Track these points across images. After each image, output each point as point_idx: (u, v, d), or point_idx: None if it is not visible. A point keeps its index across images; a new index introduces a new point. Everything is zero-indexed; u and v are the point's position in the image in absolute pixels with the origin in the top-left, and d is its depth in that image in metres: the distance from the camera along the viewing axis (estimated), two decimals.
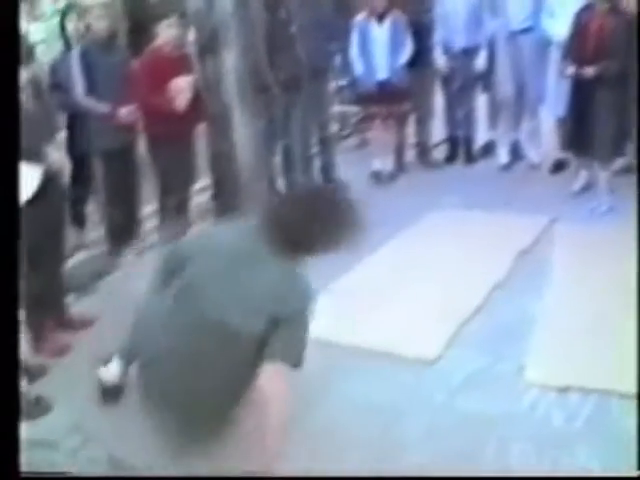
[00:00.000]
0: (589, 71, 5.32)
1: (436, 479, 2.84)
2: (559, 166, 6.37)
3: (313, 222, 2.68)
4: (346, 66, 6.73)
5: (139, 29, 5.17)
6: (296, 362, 2.72)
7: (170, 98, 4.79)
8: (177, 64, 4.91)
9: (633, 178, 5.66)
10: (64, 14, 5.15)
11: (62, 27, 5.14)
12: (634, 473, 2.82)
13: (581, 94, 5.51)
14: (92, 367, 3.44)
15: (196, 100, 4.96)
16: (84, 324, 4.13)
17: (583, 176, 5.90)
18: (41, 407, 3.36)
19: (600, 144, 5.47)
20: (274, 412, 2.66)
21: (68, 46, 5.11)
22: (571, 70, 5.43)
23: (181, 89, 4.82)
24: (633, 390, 3.21)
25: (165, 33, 4.88)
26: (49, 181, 3.68)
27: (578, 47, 5.42)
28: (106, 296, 4.63)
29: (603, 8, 5.33)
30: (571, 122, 5.67)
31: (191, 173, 5.32)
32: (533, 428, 3.08)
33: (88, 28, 4.95)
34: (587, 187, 5.86)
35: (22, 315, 3.34)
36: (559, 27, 5.77)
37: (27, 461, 2.32)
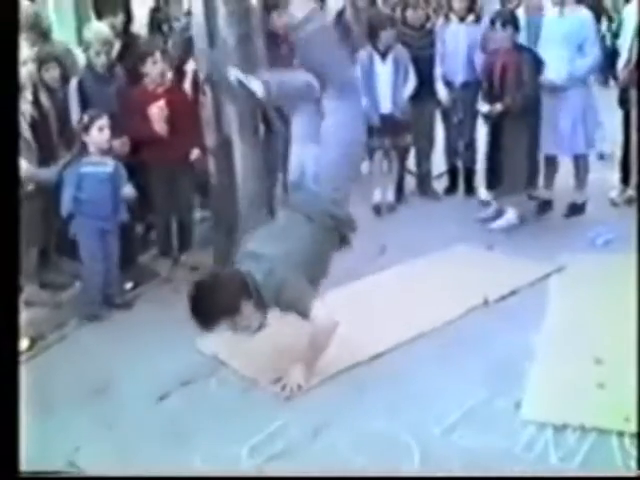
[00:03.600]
0: (497, 107, 5.77)
1: (438, 479, 2.89)
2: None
3: None
4: None
5: (130, 67, 5.32)
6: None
7: (151, 125, 5.23)
8: (161, 97, 5.29)
9: (634, 210, 5.75)
10: (41, 62, 5.20)
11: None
12: (634, 473, 2.81)
13: (495, 131, 5.95)
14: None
15: (188, 125, 5.30)
16: None
17: (493, 207, 6.16)
18: None
19: (514, 177, 5.88)
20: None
21: (50, 92, 5.19)
22: (485, 108, 5.89)
23: (155, 114, 5.23)
24: (632, 428, 3.20)
25: (151, 71, 5.22)
26: None
27: (487, 86, 5.90)
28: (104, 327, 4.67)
29: (503, 47, 5.79)
30: (491, 160, 6.04)
31: (189, 197, 5.64)
32: (529, 467, 3.05)
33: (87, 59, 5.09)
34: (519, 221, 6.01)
35: None
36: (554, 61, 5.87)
37: None
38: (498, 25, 5.81)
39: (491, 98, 5.87)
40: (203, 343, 4.19)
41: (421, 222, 6.11)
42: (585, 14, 5.93)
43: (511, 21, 5.84)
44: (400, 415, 3.45)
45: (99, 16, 5.58)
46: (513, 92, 5.76)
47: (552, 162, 6.29)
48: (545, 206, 6.30)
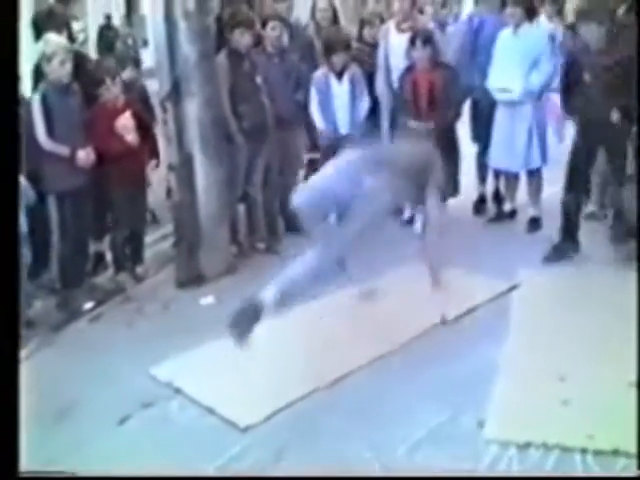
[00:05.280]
0: (429, 125, 5.89)
1: (435, 479, 2.91)
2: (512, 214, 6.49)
3: None
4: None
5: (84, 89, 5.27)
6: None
7: (120, 137, 5.22)
8: (121, 110, 5.31)
9: (595, 225, 5.88)
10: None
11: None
12: (634, 473, 2.80)
13: None
14: None
15: (145, 138, 5.38)
16: None
17: (420, 218, 5.97)
18: None
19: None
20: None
21: None
22: (416, 125, 5.94)
23: (125, 126, 5.25)
24: (595, 446, 3.21)
25: (105, 94, 5.23)
26: None
27: (412, 102, 5.99)
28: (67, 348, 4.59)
29: (426, 65, 5.94)
30: None
31: (142, 204, 5.62)
32: None
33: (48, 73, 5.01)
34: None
35: None
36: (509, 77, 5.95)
37: None
38: (419, 44, 5.92)
39: (417, 114, 5.95)
40: (158, 370, 4.12)
41: (375, 242, 6.02)
42: (540, 30, 5.99)
43: (431, 40, 5.97)
44: (363, 436, 3.42)
45: (38, 35, 5.47)
46: (443, 110, 5.90)
47: (514, 176, 6.37)
48: (503, 217, 6.46)
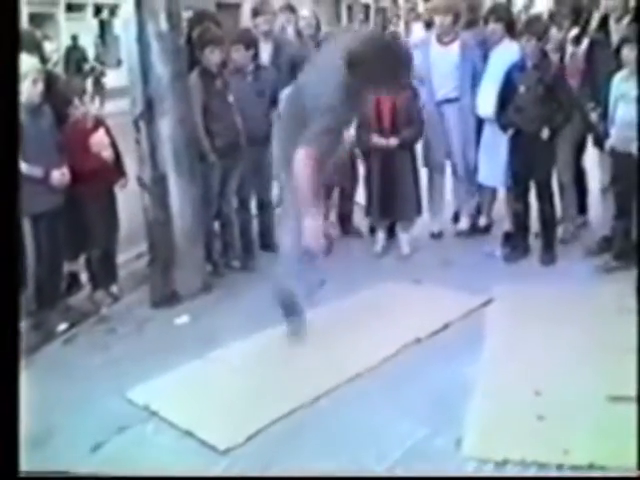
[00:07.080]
0: (392, 141, 5.90)
1: (433, 479, 2.94)
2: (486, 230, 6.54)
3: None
4: None
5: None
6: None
7: (96, 153, 5.25)
8: (93, 128, 5.35)
9: (567, 248, 5.89)
10: None
11: None
12: (634, 473, 2.82)
13: (380, 163, 6.04)
14: None
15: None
16: None
17: (381, 238, 6.29)
18: None
19: (404, 205, 6.08)
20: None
21: None
22: (379, 142, 5.94)
23: (101, 142, 5.31)
24: (571, 461, 3.22)
25: (74, 113, 5.26)
26: None
27: (376, 119, 5.98)
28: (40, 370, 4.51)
29: None
30: (375, 189, 6.10)
31: (115, 222, 5.58)
32: None
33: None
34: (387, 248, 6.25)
35: None
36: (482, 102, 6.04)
37: None
38: None
39: (381, 131, 5.95)
40: (134, 393, 4.06)
41: (344, 260, 6.02)
42: (512, 48, 6.03)
43: None
44: (341, 455, 3.40)
45: None
46: (406, 127, 5.92)
47: (490, 190, 6.41)
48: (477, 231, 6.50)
